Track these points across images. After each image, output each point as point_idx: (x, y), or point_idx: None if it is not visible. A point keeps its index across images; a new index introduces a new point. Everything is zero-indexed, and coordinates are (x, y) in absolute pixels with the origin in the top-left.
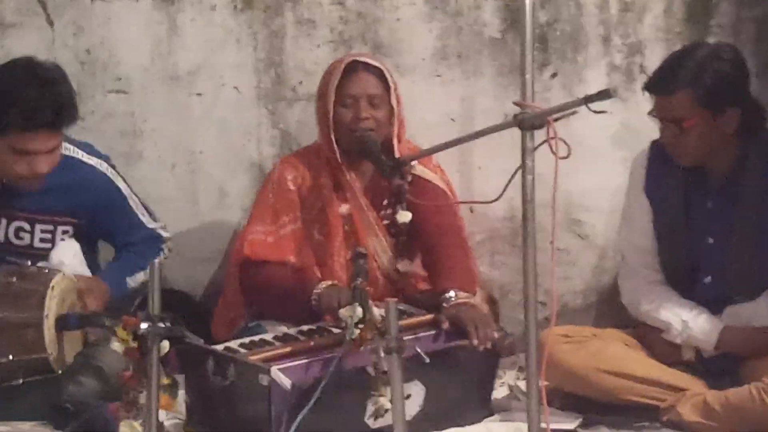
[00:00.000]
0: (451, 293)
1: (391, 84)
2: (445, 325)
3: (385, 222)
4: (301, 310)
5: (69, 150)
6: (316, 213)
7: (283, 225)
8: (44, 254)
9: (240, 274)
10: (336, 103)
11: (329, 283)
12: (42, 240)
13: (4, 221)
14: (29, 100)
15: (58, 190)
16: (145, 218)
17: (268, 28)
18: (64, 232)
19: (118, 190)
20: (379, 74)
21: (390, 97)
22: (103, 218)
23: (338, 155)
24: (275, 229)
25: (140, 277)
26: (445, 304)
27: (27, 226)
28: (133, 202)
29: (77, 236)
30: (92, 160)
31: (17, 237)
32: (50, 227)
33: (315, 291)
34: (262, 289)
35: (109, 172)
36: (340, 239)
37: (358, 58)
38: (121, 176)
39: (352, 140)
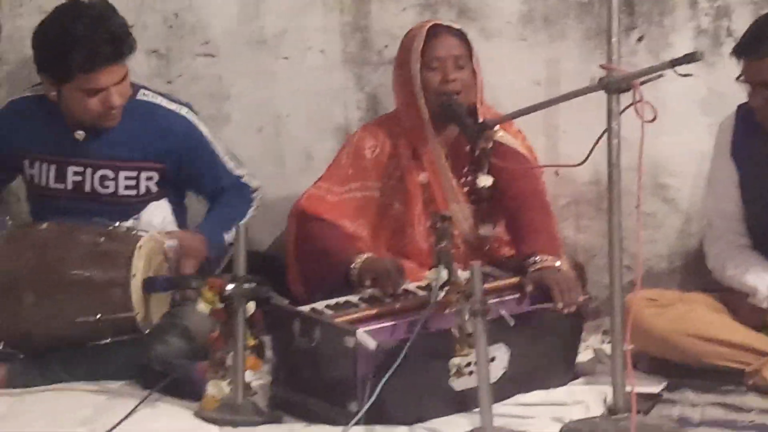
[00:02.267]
0: (536, 257)
1: (471, 46)
2: (530, 288)
3: (466, 189)
4: (339, 277)
5: (148, 96)
6: (395, 182)
7: (349, 190)
8: (129, 202)
9: (294, 226)
10: (422, 67)
11: (369, 255)
12: (127, 187)
13: (89, 170)
14: (86, 41)
15: (140, 136)
16: (231, 164)
17: None
18: (149, 179)
19: (201, 134)
20: (461, 36)
21: (472, 60)
22: (187, 163)
23: (426, 118)
24: (341, 191)
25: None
26: (529, 268)
27: (111, 174)
28: (218, 148)
29: (163, 186)
30: (173, 105)
31: (102, 186)
32: (134, 173)
33: (353, 264)
34: (308, 244)
35: (190, 116)
36: (419, 208)
37: (438, 22)
38: (204, 123)
39: (438, 104)
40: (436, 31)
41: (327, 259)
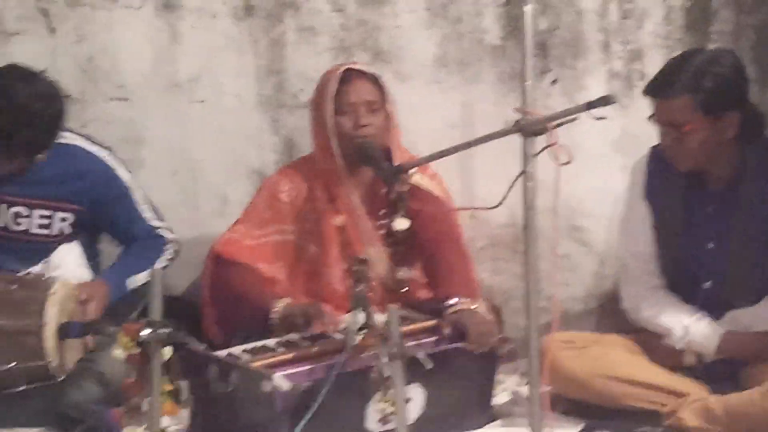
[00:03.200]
0: (453, 299)
1: (385, 90)
2: (447, 330)
3: (382, 231)
4: (257, 322)
5: (68, 137)
6: (311, 225)
7: (266, 234)
8: (41, 241)
9: (210, 270)
10: (335, 112)
11: (288, 300)
12: (40, 226)
13: (3, 206)
14: (3, 129)
15: (58, 175)
16: (149, 214)
17: (268, 35)
18: (63, 219)
19: (120, 179)
20: (374, 81)
21: (386, 104)
22: (103, 207)
23: (339, 164)
24: (258, 234)
25: (141, 278)
26: (446, 311)
27: (25, 212)
28: (136, 195)
29: (77, 227)
30: (93, 147)
31: (15, 222)
32: (48, 213)
33: (274, 309)
34: (225, 288)
35: (110, 160)
36: (336, 251)
37: (352, 66)
38: (125, 168)
39: (352, 148)
40: (349, 75)
41: (245, 304)
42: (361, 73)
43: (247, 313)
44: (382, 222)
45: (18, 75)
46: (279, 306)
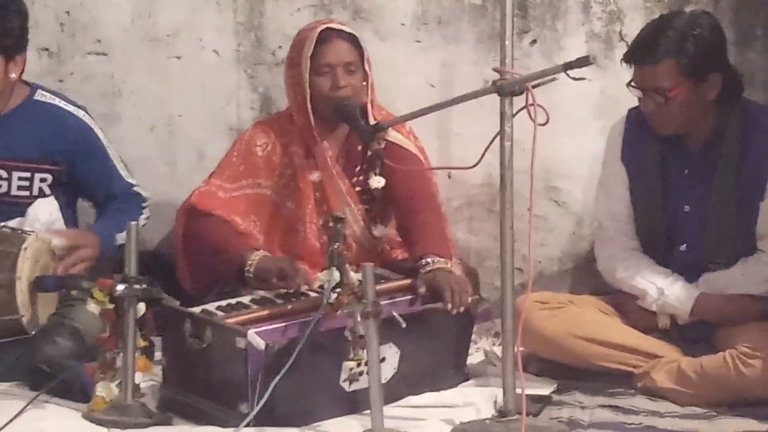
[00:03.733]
0: (428, 259)
1: (363, 49)
2: (422, 290)
3: (358, 189)
4: (231, 273)
5: (45, 97)
6: (287, 180)
7: (240, 187)
8: (22, 203)
9: (183, 222)
10: (311, 72)
11: (264, 253)
12: (20, 188)
13: None
14: None
15: (35, 135)
16: (124, 172)
17: None
18: (42, 180)
19: (97, 138)
20: (352, 40)
21: (363, 63)
22: (82, 166)
23: (312, 123)
24: (232, 188)
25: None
26: (421, 270)
27: (4, 174)
28: (112, 154)
29: (56, 188)
30: (69, 107)
31: None
32: (27, 174)
33: (249, 261)
34: (199, 240)
35: (87, 119)
36: (311, 206)
37: (330, 26)
38: (99, 127)
39: (329, 107)
40: (327, 35)
41: (219, 255)
42: (339, 33)
43: (221, 264)
44: (359, 179)
45: None
46: (254, 258)
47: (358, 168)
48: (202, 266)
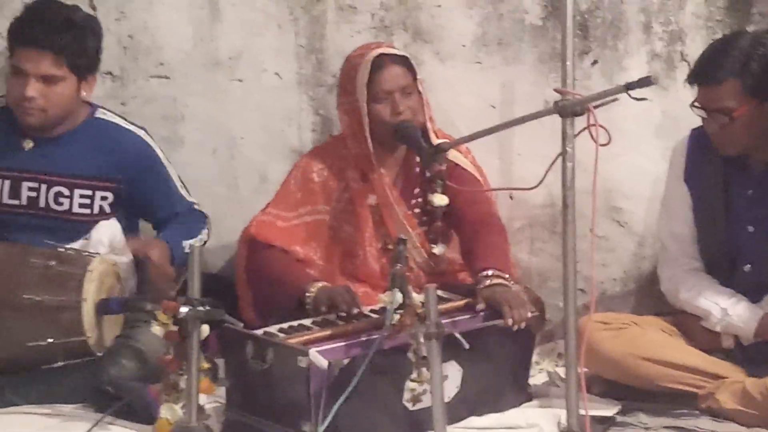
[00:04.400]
0: (488, 272)
1: (415, 70)
2: (480, 306)
3: (416, 210)
4: (291, 303)
5: (106, 115)
6: (344, 204)
7: (299, 215)
8: (83, 221)
9: (245, 254)
10: (368, 99)
11: (322, 284)
12: (81, 206)
13: (43, 187)
14: (27, 16)
15: (95, 152)
16: (184, 191)
17: (309, 13)
18: (103, 198)
19: (157, 157)
20: (405, 62)
21: (416, 84)
22: (142, 183)
23: (371, 150)
24: (291, 216)
25: (196, 242)
26: (480, 285)
27: (66, 191)
28: (172, 173)
29: (117, 208)
30: (131, 126)
31: (56, 202)
32: (89, 192)
33: (308, 292)
34: (260, 271)
35: (147, 138)
36: (370, 230)
37: (383, 51)
38: (159, 148)
39: (388, 133)
40: (380, 61)
41: (279, 287)
42: (392, 57)
43: (281, 296)
44: (416, 201)
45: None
46: (313, 290)
47: (416, 190)
48: (263, 298)
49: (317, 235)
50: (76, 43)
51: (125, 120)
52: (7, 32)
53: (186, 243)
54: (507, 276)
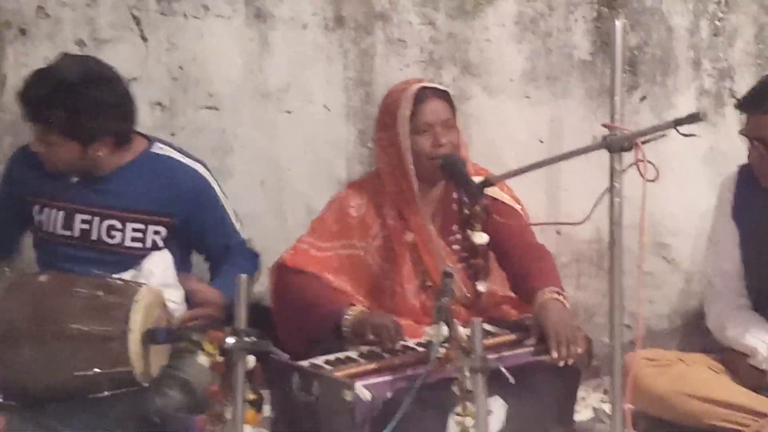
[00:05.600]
0: (543, 288)
1: (454, 105)
2: (530, 342)
3: (455, 247)
4: (326, 329)
5: (163, 149)
6: (381, 241)
7: (333, 247)
8: (134, 255)
9: (275, 280)
10: (411, 132)
11: (361, 308)
12: (133, 239)
13: (96, 219)
14: (24, 85)
15: (150, 188)
16: (238, 226)
17: (358, 46)
18: (156, 233)
19: (213, 190)
20: (446, 97)
21: (456, 120)
22: (196, 217)
23: (415, 185)
24: (324, 247)
25: None
26: (536, 302)
27: (118, 225)
28: (228, 207)
29: (170, 242)
30: (186, 160)
31: (108, 235)
32: (141, 226)
33: (346, 315)
34: (291, 297)
35: (203, 172)
36: (408, 267)
37: (425, 84)
38: (216, 181)
39: (429, 167)
40: (422, 94)
41: (313, 311)
42: (434, 91)
43: (315, 321)
44: (455, 237)
45: (71, 56)
46: (352, 312)
47: (454, 227)
48: (294, 324)
49: (350, 269)
50: (66, 115)
51: (182, 153)
52: None
53: None
54: (564, 293)
